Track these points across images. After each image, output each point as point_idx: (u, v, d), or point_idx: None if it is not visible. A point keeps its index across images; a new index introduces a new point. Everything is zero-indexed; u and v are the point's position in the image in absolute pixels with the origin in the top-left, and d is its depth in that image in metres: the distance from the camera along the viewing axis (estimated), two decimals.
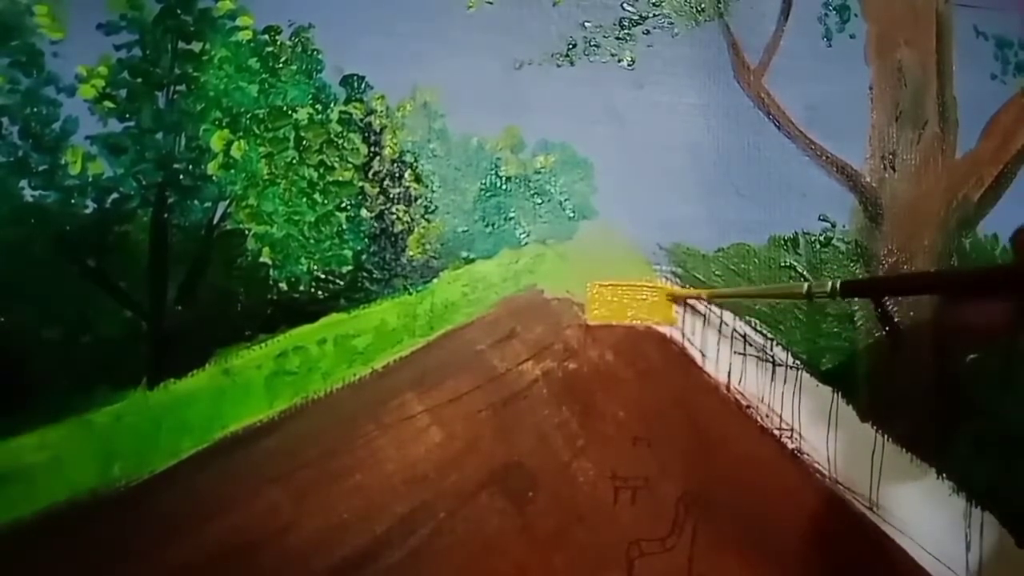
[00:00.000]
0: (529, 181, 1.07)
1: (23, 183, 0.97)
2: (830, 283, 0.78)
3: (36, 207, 0.97)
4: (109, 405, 0.95)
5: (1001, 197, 1.22)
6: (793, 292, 0.88)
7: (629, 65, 1.10)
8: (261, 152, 1.01)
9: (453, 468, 0.98)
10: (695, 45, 1.11)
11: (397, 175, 1.04)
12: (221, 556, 0.91)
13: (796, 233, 1.09)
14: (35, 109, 0.99)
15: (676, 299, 1.04)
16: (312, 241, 1.01)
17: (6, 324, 0.95)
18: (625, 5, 1.10)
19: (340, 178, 1.02)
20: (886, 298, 1.07)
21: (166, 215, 1.00)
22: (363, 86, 1.05)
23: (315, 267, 1.01)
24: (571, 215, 1.06)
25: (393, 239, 1.03)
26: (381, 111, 1.05)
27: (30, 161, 0.98)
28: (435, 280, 1.04)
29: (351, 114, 1.04)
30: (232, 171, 1.01)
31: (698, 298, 1.04)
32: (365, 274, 1.02)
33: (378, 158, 1.04)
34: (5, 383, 0.94)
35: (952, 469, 1.02)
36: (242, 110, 1.02)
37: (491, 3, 1.07)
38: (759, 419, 1.04)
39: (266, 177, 1.01)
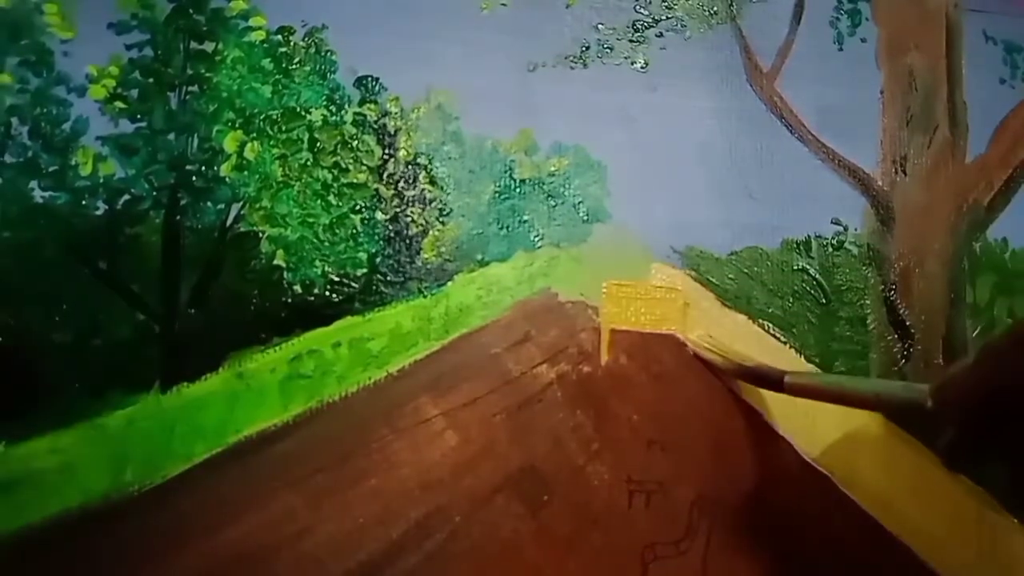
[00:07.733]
0: (543, 184, 1.07)
1: (33, 184, 0.96)
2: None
3: (46, 208, 0.96)
4: (121, 409, 0.94)
5: (1011, 201, 1.23)
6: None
7: (642, 68, 1.10)
8: (275, 154, 1.00)
9: (468, 472, 0.98)
10: (708, 48, 1.11)
11: (412, 177, 1.03)
12: (236, 561, 0.90)
13: (809, 236, 1.09)
14: (45, 109, 0.97)
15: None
16: (327, 244, 1.00)
17: (16, 327, 0.94)
18: (638, 8, 1.09)
19: (355, 180, 1.02)
20: (899, 302, 1.08)
21: (178, 217, 0.99)
22: (377, 87, 1.04)
23: (329, 270, 1.00)
24: (585, 218, 1.06)
25: (408, 242, 1.02)
26: (395, 113, 1.04)
27: (40, 162, 0.97)
28: (449, 283, 1.03)
29: (365, 116, 1.03)
30: (245, 173, 1.00)
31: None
32: (380, 277, 1.02)
33: (392, 160, 1.03)
34: (15, 387, 0.93)
35: (955, 470, 1.02)
36: (255, 111, 1.01)
37: (505, 5, 1.06)
38: (772, 423, 1.04)
39: (280, 179, 1.00)
